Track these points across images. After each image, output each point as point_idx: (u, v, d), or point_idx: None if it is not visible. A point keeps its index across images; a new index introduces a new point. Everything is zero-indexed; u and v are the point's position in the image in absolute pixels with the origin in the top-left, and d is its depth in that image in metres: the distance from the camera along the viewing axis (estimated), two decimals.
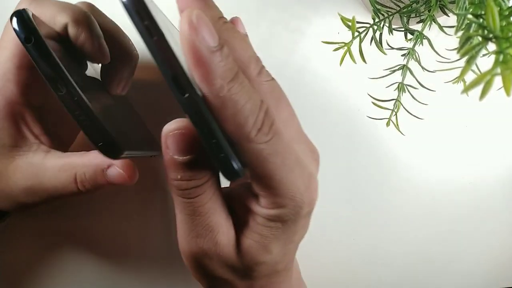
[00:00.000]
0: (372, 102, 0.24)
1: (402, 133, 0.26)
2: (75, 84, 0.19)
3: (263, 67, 0.21)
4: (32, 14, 0.20)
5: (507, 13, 0.14)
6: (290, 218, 0.21)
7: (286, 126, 0.21)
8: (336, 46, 0.22)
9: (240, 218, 0.21)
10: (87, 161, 0.23)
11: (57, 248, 0.32)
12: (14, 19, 0.18)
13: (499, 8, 0.15)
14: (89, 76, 0.25)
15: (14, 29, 0.18)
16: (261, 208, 0.20)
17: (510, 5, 0.16)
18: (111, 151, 0.20)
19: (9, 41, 0.22)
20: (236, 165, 0.17)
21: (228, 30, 0.19)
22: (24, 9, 0.19)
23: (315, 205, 0.23)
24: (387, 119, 0.25)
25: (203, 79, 0.15)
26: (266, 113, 0.18)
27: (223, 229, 0.20)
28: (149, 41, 0.15)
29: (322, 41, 0.26)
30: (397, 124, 0.25)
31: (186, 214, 0.20)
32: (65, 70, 0.19)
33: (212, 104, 0.16)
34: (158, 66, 0.15)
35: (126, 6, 0.15)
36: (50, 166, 0.23)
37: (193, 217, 0.20)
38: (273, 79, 0.22)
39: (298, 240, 0.23)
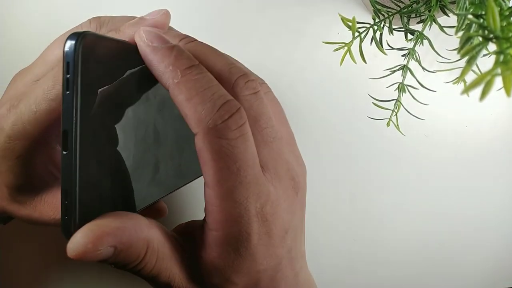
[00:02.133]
0: (372, 102, 0.24)
1: (402, 133, 0.26)
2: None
3: (243, 76, 0.19)
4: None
5: (507, 13, 0.14)
6: (237, 244, 0.18)
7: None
8: (337, 46, 0.22)
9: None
10: None
11: (56, 248, 0.32)
12: (68, 41, 0.16)
13: (499, 8, 0.15)
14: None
15: (64, 51, 0.16)
16: (207, 229, 0.18)
17: (510, 5, 0.16)
18: (66, 231, 0.17)
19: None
20: (72, 230, 0.16)
21: (193, 44, 0.20)
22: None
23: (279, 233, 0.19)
24: (388, 119, 0.25)
25: (157, 69, 0.17)
26: (239, 110, 0.17)
27: (177, 278, 0.19)
28: (63, 92, 0.16)
29: (322, 41, 0.26)
30: (397, 124, 0.25)
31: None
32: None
33: (172, 93, 0.17)
34: (62, 117, 0.16)
35: (63, 53, 0.16)
36: None
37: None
38: (256, 92, 0.19)
39: (268, 266, 0.20)
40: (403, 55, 0.24)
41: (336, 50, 0.22)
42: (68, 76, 0.15)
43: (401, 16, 0.24)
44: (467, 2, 0.18)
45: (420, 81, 0.23)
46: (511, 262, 0.37)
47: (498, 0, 0.16)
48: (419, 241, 0.36)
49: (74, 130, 0.16)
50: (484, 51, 0.12)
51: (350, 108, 0.34)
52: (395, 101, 0.25)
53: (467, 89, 0.11)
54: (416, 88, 0.24)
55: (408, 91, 0.24)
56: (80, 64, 0.16)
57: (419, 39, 0.23)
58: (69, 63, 0.15)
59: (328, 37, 0.32)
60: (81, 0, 0.33)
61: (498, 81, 0.11)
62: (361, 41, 0.22)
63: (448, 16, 0.23)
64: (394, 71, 0.24)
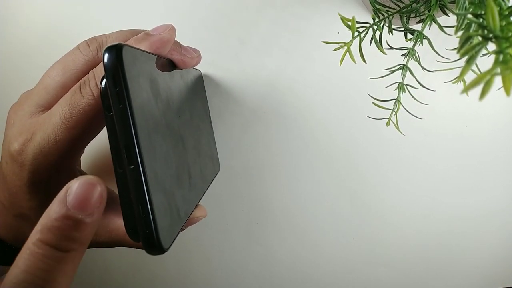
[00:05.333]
0: (372, 102, 0.24)
1: (402, 133, 0.26)
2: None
3: None
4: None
5: (507, 12, 0.14)
6: None
7: None
8: (336, 46, 0.22)
9: None
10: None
11: None
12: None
13: (499, 8, 0.15)
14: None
15: (106, 65, 0.15)
16: None
17: (510, 5, 0.16)
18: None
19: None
20: (162, 241, 0.16)
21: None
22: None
23: None
24: (387, 119, 0.25)
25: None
26: None
27: None
28: (115, 107, 0.15)
29: (322, 41, 0.26)
30: (397, 124, 0.25)
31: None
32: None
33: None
34: (117, 132, 0.15)
35: (105, 67, 0.15)
36: None
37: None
38: None
39: None
40: (402, 55, 0.24)
41: (335, 49, 0.22)
42: (117, 89, 0.15)
43: (400, 16, 0.24)
44: (466, 2, 0.18)
45: (419, 80, 0.23)
46: (511, 262, 0.37)
47: (498, 0, 0.16)
48: (419, 240, 0.36)
49: (136, 142, 0.15)
50: (483, 51, 0.12)
51: (349, 108, 0.34)
52: (394, 100, 0.25)
53: (466, 89, 0.11)
54: (416, 88, 0.24)
55: (408, 90, 0.24)
56: (126, 76, 0.15)
57: (419, 39, 0.23)
58: (116, 76, 0.15)
59: (327, 37, 0.32)
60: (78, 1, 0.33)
61: (498, 81, 0.11)
62: (360, 40, 0.22)
63: (448, 16, 0.23)
64: (393, 71, 0.24)
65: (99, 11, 0.33)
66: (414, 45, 0.23)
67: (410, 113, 0.24)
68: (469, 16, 0.16)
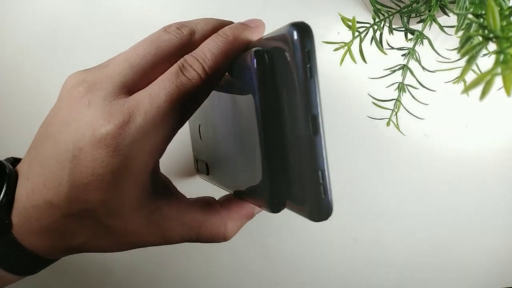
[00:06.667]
0: (372, 102, 0.24)
1: (402, 133, 0.26)
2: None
3: None
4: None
5: (507, 12, 0.14)
6: None
7: None
8: (337, 46, 0.22)
9: None
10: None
11: None
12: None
13: (499, 8, 0.15)
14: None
15: (300, 41, 0.17)
16: None
17: (510, 5, 0.16)
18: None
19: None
20: (331, 208, 0.18)
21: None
22: (262, 51, 0.18)
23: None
24: (387, 119, 0.25)
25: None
26: None
27: None
28: (307, 80, 0.17)
29: (322, 41, 0.26)
30: (397, 124, 0.25)
31: None
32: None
33: None
34: (304, 103, 0.17)
35: (299, 43, 0.17)
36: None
37: None
38: None
39: None
40: (403, 55, 0.24)
41: (336, 50, 0.22)
42: (309, 65, 0.17)
43: (401, 16, 0.24)
44: (467, 2, 0.18)
45: (420, 80, 0.23)
46: (511, 262, 0.37)
47: (498, 0, 0.16)
48: (419, 240, 0.36)
49: (320, 112, 0.17)
50: (484, 51, 0.12)
51: (350, 108, 0.34)
52: (395, 100, 0.25)
53: (467, 89, 0.11)
54: (416, 88, 0.24)
55: (408, 90, 0.24)
56: (315, 51, 0.17)
57: (419, 39, 0.23)
58: (309, 51, 0.17)
59: (328, 37, 0.32)
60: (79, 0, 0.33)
61: (498, 81, 0.11)
62: (361, 40, 0.22)
63: (448, 16, 0.23)
64: (394, 71, 0.24)
65: (99, 11, 0.33)
66: (414, 45, 0.23)
67: (411, 113, 0.24)
68: (470, 16, 0.16)
